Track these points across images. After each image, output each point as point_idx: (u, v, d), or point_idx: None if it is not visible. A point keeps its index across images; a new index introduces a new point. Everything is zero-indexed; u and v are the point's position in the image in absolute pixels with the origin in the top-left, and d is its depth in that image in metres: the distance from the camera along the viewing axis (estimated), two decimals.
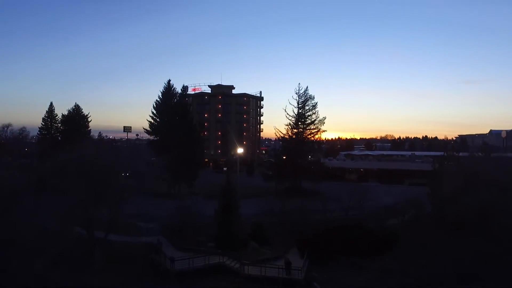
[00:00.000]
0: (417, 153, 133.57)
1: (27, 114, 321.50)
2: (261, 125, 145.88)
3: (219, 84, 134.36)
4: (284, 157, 75.90)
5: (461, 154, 62.83)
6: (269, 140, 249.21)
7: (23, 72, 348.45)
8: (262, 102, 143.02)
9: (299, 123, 73.92)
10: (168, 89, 69.81)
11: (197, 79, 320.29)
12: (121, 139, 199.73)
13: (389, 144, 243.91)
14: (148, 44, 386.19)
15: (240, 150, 49.84)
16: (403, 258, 37.70)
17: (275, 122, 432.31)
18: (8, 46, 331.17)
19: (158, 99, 70.13)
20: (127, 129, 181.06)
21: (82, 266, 32.31)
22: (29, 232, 30.68)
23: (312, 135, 75.56)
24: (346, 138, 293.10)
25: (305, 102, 73.63)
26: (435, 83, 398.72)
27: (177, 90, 71.02)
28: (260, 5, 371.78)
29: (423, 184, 79.32)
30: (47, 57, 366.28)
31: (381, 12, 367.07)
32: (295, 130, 74.32)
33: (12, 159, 74.72)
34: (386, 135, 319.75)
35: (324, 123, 74.47)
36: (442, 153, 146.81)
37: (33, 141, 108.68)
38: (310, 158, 76.87)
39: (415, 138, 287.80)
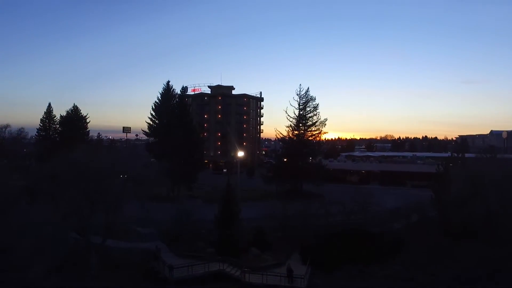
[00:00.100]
0: (418, 154, 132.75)
1: (27, 114, 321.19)
2: (261, 125, 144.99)
3: (219, 85, 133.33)
4: (285, 159, 74.79)
5: (466, 155, 61.79)
6: (269, 140, 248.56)
7: (23, 73, 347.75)
8: (262, 102, 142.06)
9: (300, 125, 72.87)
10: (167, 90, 68.75)
11: (197, 80, 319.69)
12: (121, 139, 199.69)
13: (390, 145, 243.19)
14: (148, 44, 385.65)
15: (240, 154, 48.79)
16: (409, 264, 36.84)
17: (275, 122, 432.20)
18: (8, 46, 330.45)
19: (157, 101, 69.08)
20: (126, 129, 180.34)
21: (78, 273, 31.49)
22: (24, 239, 29.88)
23: (313, 136, 74.56)
24: (346, 139, 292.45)
25: (306, 104, 72.58)
26: (435, 83, 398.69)
27: (176, 91, 70.02)
28: (260, 6, 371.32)
29: (425, 186, 79.07)
30: (47, 58, 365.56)
31: (381, 13, 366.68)
32: (296, 132, 73.29)
33: (8, 161, 73.60)
34: (386, 135, 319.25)
35: (325, 124, 73.63)
36: (443, 153, 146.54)
37: (32, 141, 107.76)
38: (311, 160, 75.76)
39: (415, 138, 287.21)
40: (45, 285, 28.58)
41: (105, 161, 38.97)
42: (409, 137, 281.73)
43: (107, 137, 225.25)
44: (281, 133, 76.05)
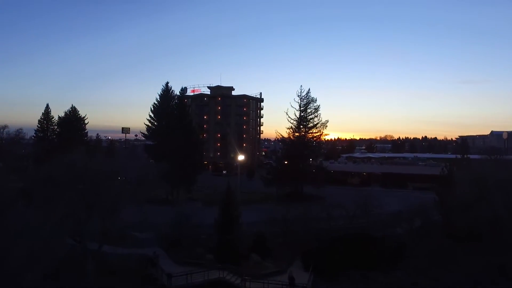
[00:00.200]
0: (419, 155, 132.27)
1: (26, 115, 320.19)
2: (261, 126, 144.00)
3: (218, 86, 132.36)
4: (285, 162, 73.84)
5: (470, 156, 60.95)
6: (268, 140, 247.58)
7: (22, 73, 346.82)
8: (262, 103, 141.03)
9: (301, 127, 71.98)
10: (166, 91, 67.83)
11: (197, 80, 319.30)
12: (120, 139, 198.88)
13: (390, 145, 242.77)
14: (148, 45, 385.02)
15: (240, 157, 48.02)
16: (412, 270, 36.07)
17: (275, 122, 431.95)
18: (6, 47, 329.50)
19: (156, 102, 68.14)
20: (125, 130, 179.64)
21: (74, 280, 30.66)
22: (20, 243, 29.08)
23: (314, 138, 73.70)
24: (345, 139, 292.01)
25: (307, 105, 71.64)
26: (434, 84, 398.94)
27: (175, 92, 69.13)
28: (260, 7, 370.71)
29: (426, 188, 78.45)
30: (46, 58, 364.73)
31: (380, 13, 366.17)
32: (296, 134, 72.39)
33: (5, 162, 72.64)
34: (386, 135, 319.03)
35: (326, 126, 72.74)
36: (444, 155, 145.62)
37: (31, 142, 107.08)
38: (312, 161, 74.87)
39: (415, 139, 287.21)
40: None
41: (103, 164, 38.25)
42: (409, 137, 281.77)
43: (107, 137, 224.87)
44: (281, 134, 75.35)
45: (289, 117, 72.69)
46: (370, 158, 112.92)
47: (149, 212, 46.78)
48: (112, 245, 36.28)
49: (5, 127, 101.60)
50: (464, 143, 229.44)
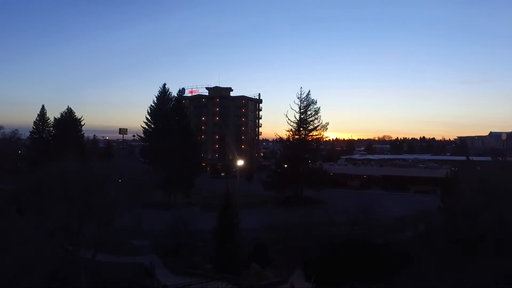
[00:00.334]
0: (419, 156, 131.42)
1: (23, 114, 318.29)
2: (260, 127, 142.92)
3: (216, 87, 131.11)
4: (285, 165, 72.63)
5: (475, 158, 59.92)
6: (266, 141, 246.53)
7: (19, 73, 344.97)
8: (261, 104, 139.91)
9: (301, 129, 70.83)
10: (164, 93, 66.55)
11: (195, 81, 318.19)
12: (118, 140, 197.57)
13: (388, 146, 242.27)
14: (146, 45, 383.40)
15: (240, 162, 47.02)
16: (416, 278, 34.99)
17: (273, 122, 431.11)
18: (3, 47, 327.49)
19: (153, 104, 66.81)
20: (123, 131, 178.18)
21: None
22: (10, 253, 27.93)
23: (314, 141, 72.57)
24: (344, 139, 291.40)
25: (307, 107, 70.46)
26: (431, 84, 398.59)
27: (173, 94, 67.98)
28: (259, 7, 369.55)
29: (428, 191, 77.61)
30: (44, 58, 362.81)
31: (379, 14, 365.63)
32: (296, 137, 71.25)
33: None
34: (384, 136, 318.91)
35: (327, 129, 71.68)
36: (444, 156, 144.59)
37: (28, 143, 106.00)
38: (312, 164, 73.69)
39: (413, 139, 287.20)
40: None
41: (97, 169, 37.08)
42: (407, 138, 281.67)
43: (104, 138, 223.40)
44: (280, 136, 74.26)
45: (289, 119, 71.69)
46: (369, 160, 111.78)
47: (145, 218, 45.72)
48: (107, 253, 35.11)
49: (0, 128, 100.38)
50: (463, 144, 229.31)
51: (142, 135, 69.27)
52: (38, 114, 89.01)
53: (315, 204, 58.09)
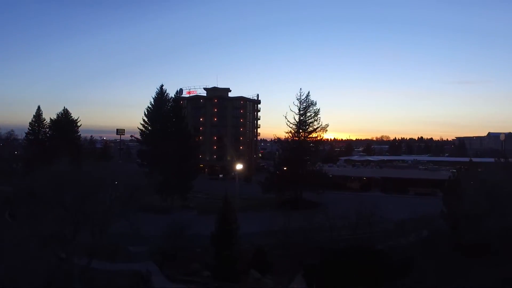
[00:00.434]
0: (418, 157, 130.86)
1: (21, 114, 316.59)
2: (258, 128, 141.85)
3: (214, 87, 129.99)
4: (284, 167, 71.55)
5: (475, 159, 59.10)
6: (264, 141, 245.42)
7: (16, 73, 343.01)
8: (259, 105, 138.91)
9: (300, 131, 69.84)
10: (161, 94, 65.29)
11: (193, 82, 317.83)
12: (115, 140, 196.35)
13: (387, 146, 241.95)
14: (144, 45, 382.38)
15: (239, 166, 45.98)
16: (419, 285, 34.20)
17: (271, 122, 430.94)
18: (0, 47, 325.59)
19: (150, 106, 65.52)
20: (120, 131, 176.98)
21: None
22: (2, 260, 26.95)
23: (313, 143, 71.62)
24: (342, 139, 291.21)
25: (306, 109, 69.50)
26: (429, 84, 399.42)
27: (170, 95, 66.70)
28: (257, 7, 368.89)
29: (428, 194, 76.86)
30: (41, 58, 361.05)
31: (376, 14, 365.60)
32: (296, 139, 70.24)
33: None
34: (382, 136, 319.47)
35: (326, 130, 70.71)
36: (443, 157, 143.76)
37: (24, 143, 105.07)
38: (311, 166, 72.67)
39: (411, 139, 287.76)
40: None
41: (92, 173, 36.08)
42: (405, 138, 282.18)
43: (102, 138, 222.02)
44: (279, 137, 73.36)
45: (288, 121, 70.65)
46: (369, 161, 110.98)
47: (142, 222, 44.52)
48: (102, 260, 34.08)
49: None
50: (462, 145, 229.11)
51: (139, 137, 68.09)
52: (34, 115, 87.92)
53: (315, 207, 57.14)
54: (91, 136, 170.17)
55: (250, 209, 58.01)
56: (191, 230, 39.24)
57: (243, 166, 64.53)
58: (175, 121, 64.21)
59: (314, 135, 70.52)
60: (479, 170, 48.91)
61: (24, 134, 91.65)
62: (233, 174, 57.75)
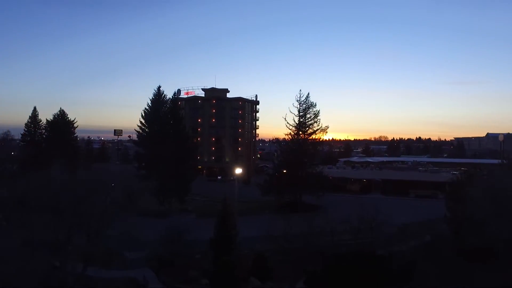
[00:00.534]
0: (418, 159, 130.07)
1: (18, 114, 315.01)
2: (257, 129, 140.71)
3: (213, 88, 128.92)
4: (283, 169, 70.58)
5: (477, 161, 58.36)
6: (263, 141, 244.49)
7: (13, 73, 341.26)
8: (257, 106, 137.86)
9: (300, 133, 68.91)
10: (158, 96, 64.13)
11: (191, 82, 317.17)
12: (113, 140, 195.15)
13: (385, 147, 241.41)
14: (142, 45, 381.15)
15: (238, 171, 45.16)
16: None
17: (270, 122, 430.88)
18: None
19: (147, 107, 64.31)
20: (118, 132, 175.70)
21: None
22: None
23: (313, 145, 70.73)
24: (340, 139, 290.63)
25: (306, 110, 68.62)
26: (427, 84, 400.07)
27: (168, 96, 65.56)
28: (256, 7, 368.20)
29: (429, 196, 76.11)
30: (38, 58, 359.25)
31: (374, 14, 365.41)
32: (295, 140, 69.25)
33: None
34: (380, 136, 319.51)
35: (326, 132, 69.84)
36: (442, 159, 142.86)
37: (20, 145, 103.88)
38: (311, 169, 71.75)
39: (409, 139, 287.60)
40: None
41: (88, 177, 35.20)
42: (403, 138, 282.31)
43: (100, 138, 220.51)
44: (278, 139, 72.51)
45: (287, 122, 69.69)
46: (368, 162, 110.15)
47: (139, 226, 43.65)
48: (98, 266, 33.07)
49: None
50: (460, 145, 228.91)
51: (136, 139, 67.01)
52: (29, 116, 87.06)
53: (315, 211, 56.41)
54: (89, 136, 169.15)
55: (249, 213, 57.07)
56: (189, 234, 38.39)
57: (241, 166, 63.45)
58: (173, 123, 63.23)
59: (314, 137, 69.65)
60: (483, 172, 48.01)
61: (21, 135, 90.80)
62: (232, 178, 56.91)
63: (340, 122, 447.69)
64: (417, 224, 47.82)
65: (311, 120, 68.63)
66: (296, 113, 69.37)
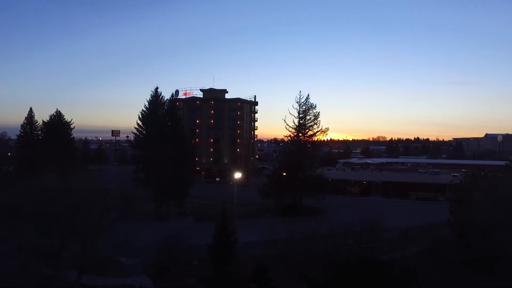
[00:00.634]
0: (417, 160, 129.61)
1: (15, 115, 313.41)
2: (256, 130, 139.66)
3: (211, 88, 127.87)
4: (283, 172, 69.64)
5: (479, 162, 57.68)
6: (261, 142, 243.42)
7: (11, 73, 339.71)
8: (256, 107, 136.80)
9: (300, 135, 68.02)
10: (156, 97, 62.93)
11: (189, 83, 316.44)
12: (111, 140, 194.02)
13: (384, 147, 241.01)
14: (140, 45, 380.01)
15: (237, 175, 44.34)
16: None
17: (269, 123, 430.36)
18: None
19: (145, 109, 63.08)
20: (115, 133, 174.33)
21: None
22: None
23: (313, 147, 69.89)
24: (338, 140, 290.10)
25: (306, 112, 67.78)
26: (426, 85, 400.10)
27: (165, 98, 64.41)
28: (256, 7, 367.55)
29: (429, 198, 75.49)
30: (36, 58, 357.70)
31: (373, 15, 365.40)
32: (295, 143, 68.35)
33: None
34: (378, 136, 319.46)
35: (326, 134, 69.06)
36: (442, 160, 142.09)
37: (16, 146, 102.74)
38: (311, 171, 70.88)
39: (407, 140, 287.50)
40: None
41: (83, 182, 34.26)
42: (401, 138, 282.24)
43: (97, 138, 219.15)
44: (277, 140, 71.71)
45: (287, 124, 68.83)
46: (368, 164, 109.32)
47: (136, 231, 42.77)
48: (93, 274, 32.14)
49: None
50: (459, 146, 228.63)
51: (133, 141, 65.88)
52: (25, 117, 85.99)
53: (315, 214, 55.45)
54: (86, 137, 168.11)
55: (249, 216, 56.19)
56: (188, 239, 37.44)
57: (240, 167, 62.60)
58: (170, 124, 62.21)
59: (314, 138, 68.76)
60: (486, 174, 47.17)
61: (17, 136, 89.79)
62: (231, 183, 56.07)
63: (338, 122, 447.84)
64: (419, 228, 46.98)
65: (311, 121, 67.82)
66: (296, 114, 68.67)
